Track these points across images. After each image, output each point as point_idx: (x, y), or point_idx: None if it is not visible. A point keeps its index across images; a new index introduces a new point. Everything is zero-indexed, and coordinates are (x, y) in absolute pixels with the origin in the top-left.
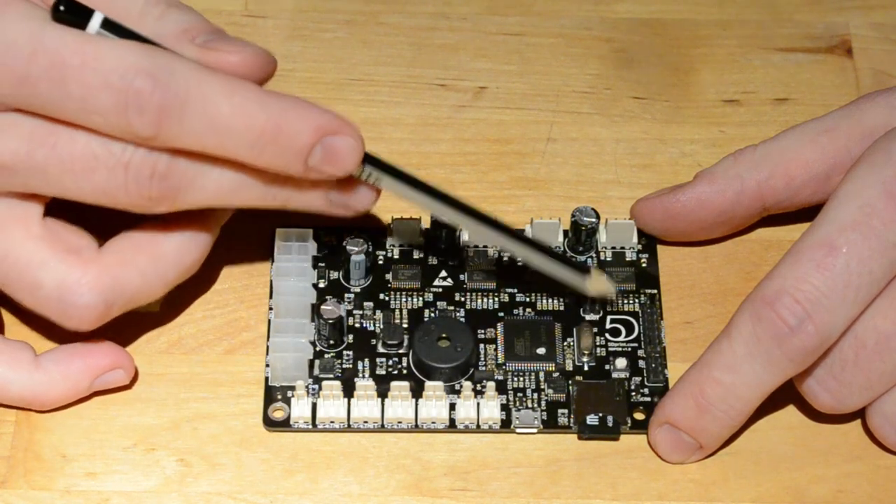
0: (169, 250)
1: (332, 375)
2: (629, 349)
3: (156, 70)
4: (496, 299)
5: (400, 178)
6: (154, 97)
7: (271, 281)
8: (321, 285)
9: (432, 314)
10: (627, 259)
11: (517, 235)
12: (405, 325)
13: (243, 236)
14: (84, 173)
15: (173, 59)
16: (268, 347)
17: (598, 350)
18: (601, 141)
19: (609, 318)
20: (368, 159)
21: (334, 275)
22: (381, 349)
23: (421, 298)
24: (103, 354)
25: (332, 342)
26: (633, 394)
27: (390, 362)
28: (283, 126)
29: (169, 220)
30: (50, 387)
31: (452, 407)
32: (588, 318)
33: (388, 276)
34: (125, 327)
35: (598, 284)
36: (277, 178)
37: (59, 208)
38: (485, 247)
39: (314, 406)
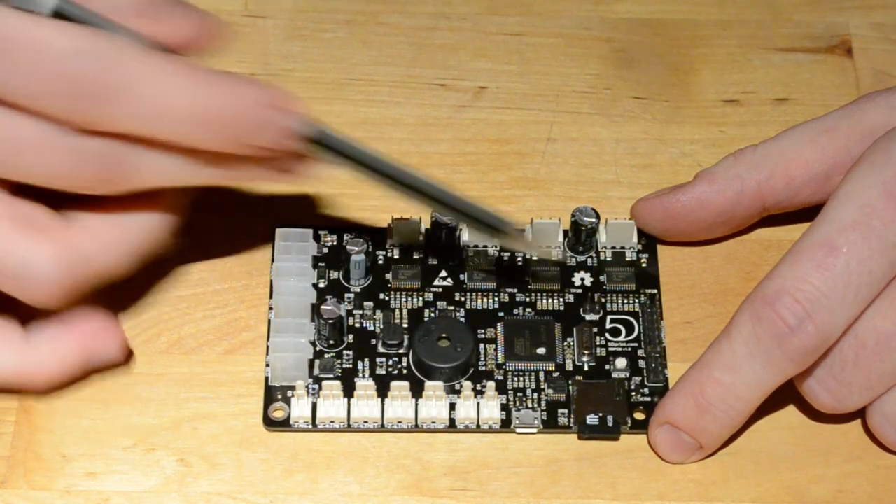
0: (136, 225)
1: (332, 375)
2: (629, 349)
3: (100, 54)
4: (496, 299)
5: (342, 153)
6: (97, 81)
7: (271, 281)
8: (321, 285)
9: (432, 314)
10: (627, 259)
11: (435, 187)
12: (405, 325)
13: (243, 236)
14: (31, 156)
15: (119, 43)
16: (268, 347)
17: (598, 350)
18: (601, 141)
19: (609, 318)
20: (315, 138)
21: (334, 275)
22: (381, 349)
23: (421, 298)
24: (95, 331)
25: (332, 342)
26: (633, 394)
27: (390, 362)
28: (230, 107)
29: (137, 194)
30: (41, 368)
31: (452, 407)
32: (588, 318)
33: (388, 276)
34: (119, 321)
35: (513, 243)
36: (227, 157)
37: (24, 185)
38: (485, 247)
39: (314, 406)
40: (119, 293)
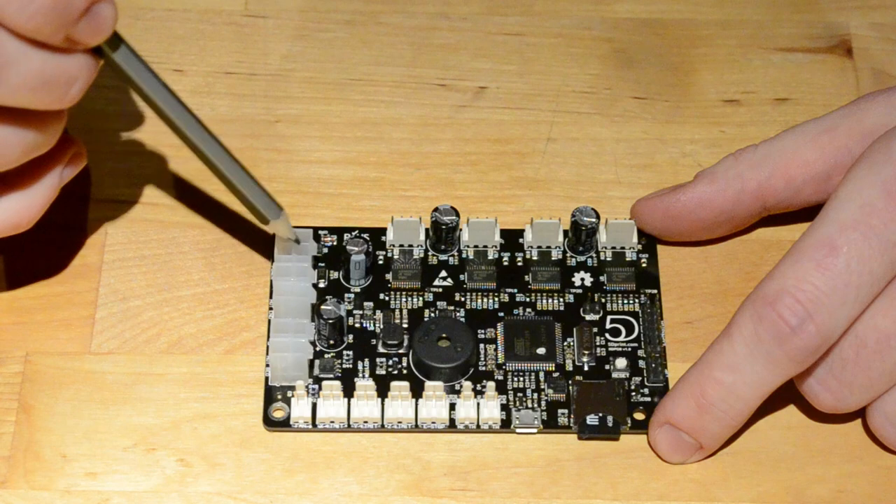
0: (28, 117)
1: (332, 375)
2: (629, 349)
3: None
4: (496, 299)
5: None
6: None
7: (271, 281)
8: (321, 285)
9: (432, 314)
10: (627, 259)
11: (221, 164)
12: (405, 325)
13: (243, 236)
14: None
15: None
16: (268, 347)
17: (598, 350)
18: (601, 141)
19: (609, 318)
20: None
21: (334, 275)
22: (381, 349)
23: (421, 298)
24: (60, 150)
25: (332, 342)
26: (633, 394)
27: (390, 362)
28: None
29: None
30: (25, 205)
31: (452, 407)
32: (588, 318)
33: (388, 276)
34: (119, 321)
35: (280, 229)
36: (75, 83)
37: None
38: (485, 247)
39: (314, 406)
40: (120, 293)
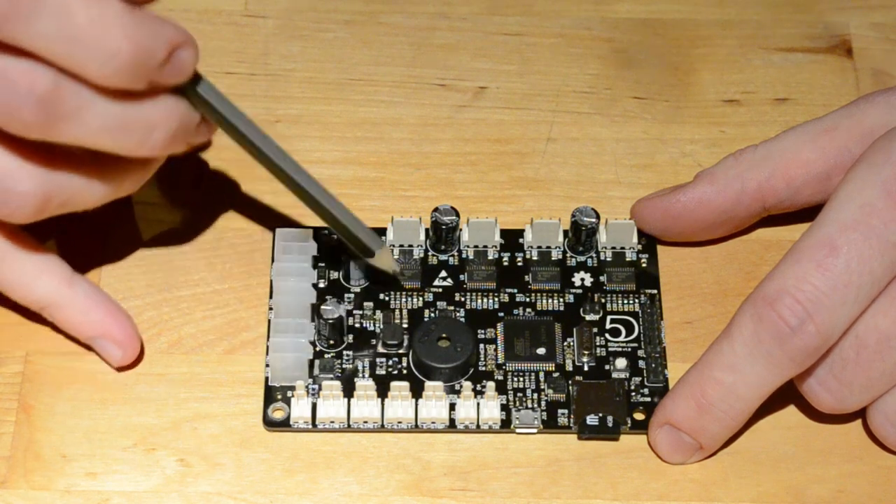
0: (116, 162)
1: (332, 375)
2: (629, 349)
3: None
4: (496, 299)
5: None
6: None
7: (271, 281)
8: (321, 285)
9: (432, 314)
10: (627, 259)
11: (322, 200)
12: (405, 325)
13: (243, 236)
14: None
15: None
16: (268, 347)
17: (598, 350)
18: (601, 141)
19: (609, 318)
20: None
21: (334, 275)
22: (381, 349)
23: (421, 298)
24: (121, 327)
25: (332, 342)
26: (633, 394)
27: (390, 362)
28: (139, 45)
29: None
30: (66, 308)
31: (452, 407)
32: (588, 318)
33: None
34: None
35: (383, 261)
36: (157, 128)
37: None
38: (485, 247)
39: (314, 406)
40: (120, 293)
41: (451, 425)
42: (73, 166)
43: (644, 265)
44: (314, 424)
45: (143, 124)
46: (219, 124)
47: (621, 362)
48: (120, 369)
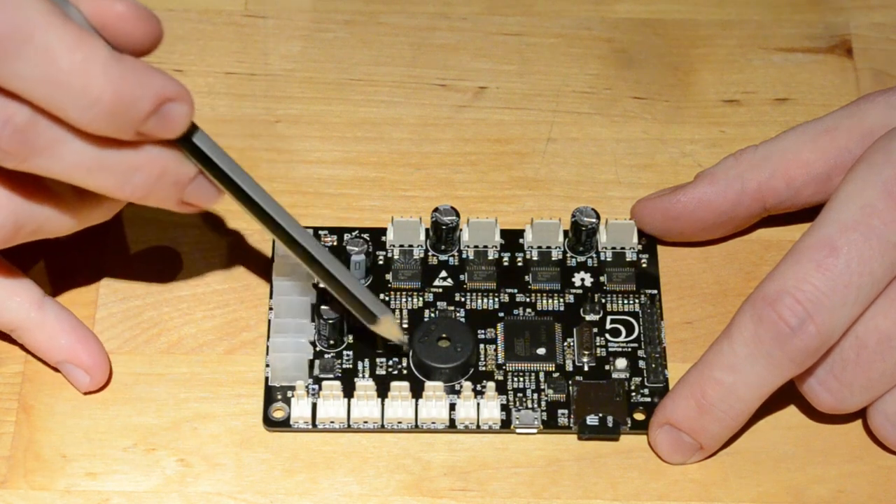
0: (91, 193)
1: (332, 375)
2: (629, 349)
3: (7, 6)
4: (496, 299)
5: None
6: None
7: (271, 281)
8: (321, 285)
9: (432, 314)
10: (627, 259)
11: (325, 263)
12: (405, 325)
13: (243, 236)
14: None
15: (32, 3)
16: (268, 347)
17: (598, 350)
18: (601, 141)
19: (609, 318)
20: (197, 152)
21: None
22: (381, 349)
23: (421, 298)
24: (89, 352)
25: (332, 342)
26: (633, 394)
27: (390, 362)
28: (122, 94)
29: None
30: (35, 331)
31: (452, 407)
32: (588, 318)
33: (388, 276)
34: (119, 321)
35: (386, 329)
36: (137, 173)
37: None
38: (485, 247)
39: (314, 406)
40: (120, 293)
41: (451, 425)
42: (46, 196)
43: (644, 265)
44: (314, 424)
45: (124, 167)
46: (218, 181)
47: (621, 362)
48: (87, 394)
